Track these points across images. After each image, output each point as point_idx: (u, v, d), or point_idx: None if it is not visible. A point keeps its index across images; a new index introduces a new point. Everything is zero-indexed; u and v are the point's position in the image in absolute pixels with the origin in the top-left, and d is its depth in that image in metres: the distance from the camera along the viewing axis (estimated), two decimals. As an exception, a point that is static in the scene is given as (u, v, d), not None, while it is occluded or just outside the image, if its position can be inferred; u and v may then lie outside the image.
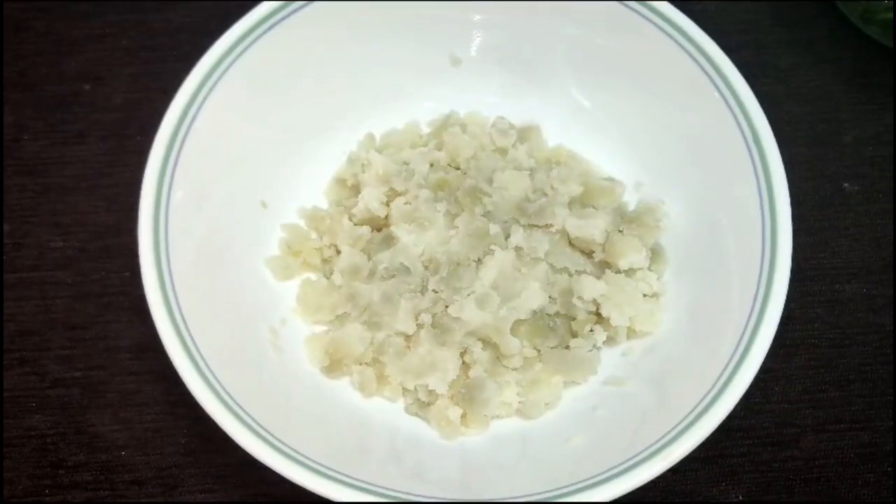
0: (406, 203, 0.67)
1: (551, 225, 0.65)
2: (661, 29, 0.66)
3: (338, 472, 0.55)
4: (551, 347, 0.63)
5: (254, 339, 0.63)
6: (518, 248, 0.64)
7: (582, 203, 0.68)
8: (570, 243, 0.66)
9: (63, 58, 0.79)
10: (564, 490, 0.54)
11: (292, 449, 0.55)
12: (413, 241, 0.65)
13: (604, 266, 0.66)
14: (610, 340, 0.64)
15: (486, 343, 0.63)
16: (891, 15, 0.73)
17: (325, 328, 0.66)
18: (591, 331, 0.64)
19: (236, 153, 0.67)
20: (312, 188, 0.72)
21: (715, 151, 0.65)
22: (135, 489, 0.64)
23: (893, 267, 0.71)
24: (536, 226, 0.65)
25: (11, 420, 0.67)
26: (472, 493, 0.56)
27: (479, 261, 0.64)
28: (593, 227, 0.65)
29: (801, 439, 0.66)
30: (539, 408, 0.63)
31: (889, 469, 0.65)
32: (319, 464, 0.55)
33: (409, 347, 0.64)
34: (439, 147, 0.70)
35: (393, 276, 0.65)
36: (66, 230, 0.72)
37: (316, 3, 0.67)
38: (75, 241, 0.72)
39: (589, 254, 0.66)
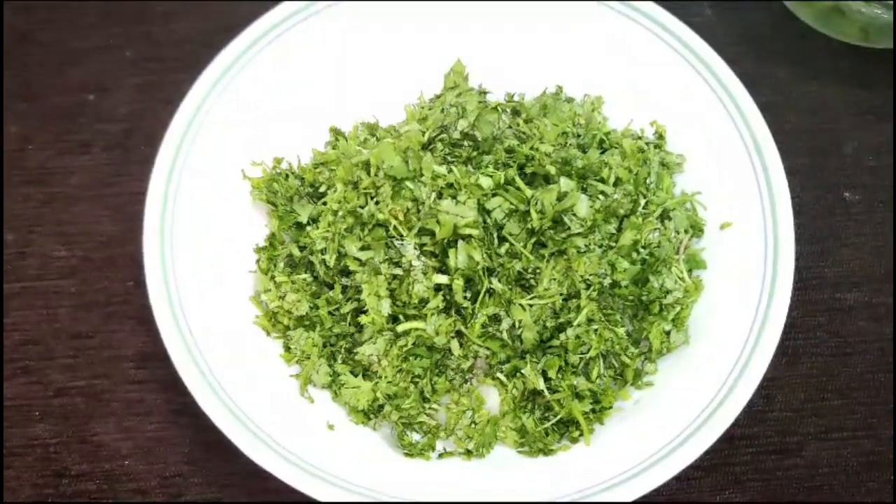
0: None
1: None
2: (663, 39, 0.67)
3: (342, 480, 0.55)
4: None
5: (259, 349, 0.63)
6: None
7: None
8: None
9: (68, 68, 0.79)
10: (571, 497, 0.54)
11: (297, 457, 0.56)
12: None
13: None
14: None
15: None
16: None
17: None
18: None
19: (241, 163, 0.67)
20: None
21: (717, 161, 0.65)
22: (138, 498, 0.64)
23: (894, 276, 0.71)
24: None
25: (15, 429, 0.67)
26: (479, 497, 0.57)
27: None
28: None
29: (804, 447, 0.66)
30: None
31: (891, 477, 0.65)
32: (325, 471, 0.55)
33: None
34: None
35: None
36: (70, 240, 0.73)
37: (320, 14, 0.68)
38: (79, 250, 0.72)
39: None
